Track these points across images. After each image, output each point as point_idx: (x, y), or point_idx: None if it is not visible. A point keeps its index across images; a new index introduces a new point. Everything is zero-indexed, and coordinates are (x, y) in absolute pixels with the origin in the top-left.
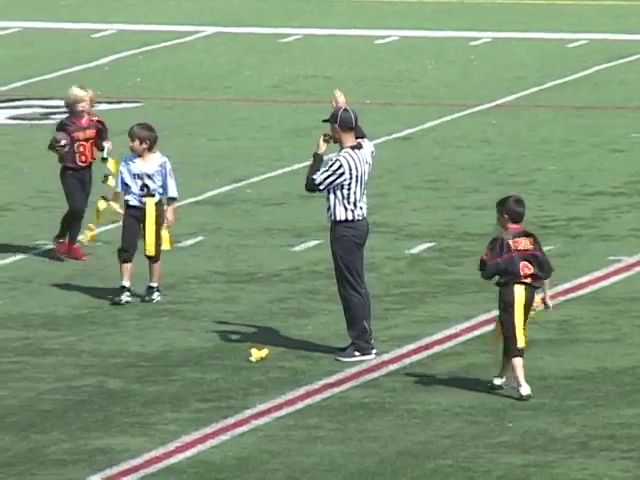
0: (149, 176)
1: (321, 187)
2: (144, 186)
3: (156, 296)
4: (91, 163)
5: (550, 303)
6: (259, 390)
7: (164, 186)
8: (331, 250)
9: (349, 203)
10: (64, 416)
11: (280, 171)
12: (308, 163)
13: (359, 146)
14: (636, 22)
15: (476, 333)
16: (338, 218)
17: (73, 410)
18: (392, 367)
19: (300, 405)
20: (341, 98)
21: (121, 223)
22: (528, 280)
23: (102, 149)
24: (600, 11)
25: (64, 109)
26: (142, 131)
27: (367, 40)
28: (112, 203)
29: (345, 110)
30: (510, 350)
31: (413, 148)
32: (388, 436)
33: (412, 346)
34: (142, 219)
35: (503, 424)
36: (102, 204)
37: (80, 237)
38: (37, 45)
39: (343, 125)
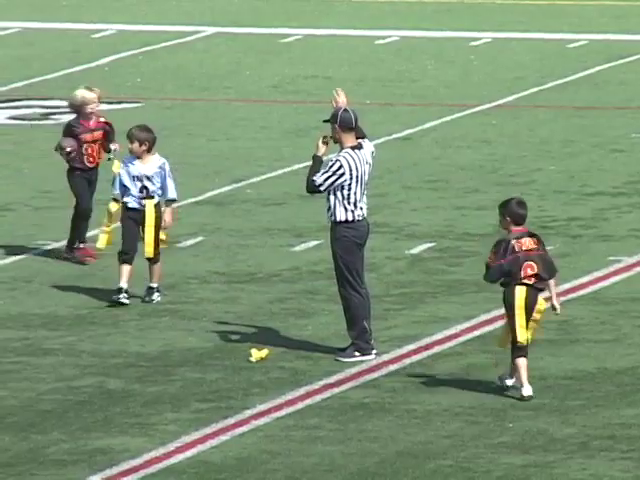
0: (148, 178)
1: (322, 188)
2: (143, 188)
3: (156, 296)
4: (98, 164)
5: (558, 306)
6: (259, 390)
7: (163, 188)
8: (331, 250)
9: (349, 204)
10: (64, 416)
11: (280, 171)
12: (308, 163)
13: (359, 146)
14: (636, 22)
15: (476, 333)
16: (338, 219)
17: (73, 410)
18: (392, 367)
19: (300, 405)
20: (341, 98)
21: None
22: (530, 281)
23: (109, 151)
24: (600, 11)
25: (64, 109)
26: (141, 133)
27: (367, 40)
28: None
29: (345, 110)
30: (513, 350)
31: (413, 148)
32: (388, 436)
33: (412, 346)
34: (141, 221)
35: (503, 424)
36: (114, 206)
37: (98, 244)
38: (37, 45)
39: (343, 125)
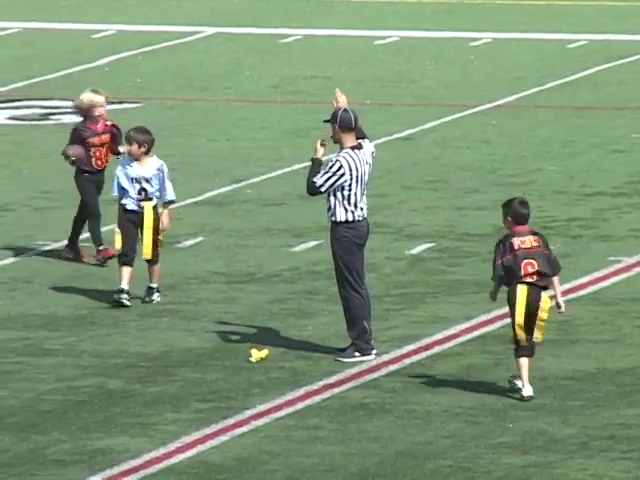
0: (147, 180)
1: (322, 189)
2: (142, 190)
3: (156, 297)
4: (106, 167)
5: (563, 304)
6: (259, 391)
7: (162, 189)
8: (331, 250)
9: (349, 204)
10: (64, 417)
11: (280, 171)
12: (308, 164)
13: (359, 147)
14: (636, 22)
15: (476, 334)
16: (339, 219)
17: (73, 411)
18: (392, 368)
19: (300, 406)
20: (342, 98)
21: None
22: (531, 279)
23: (117, 153)
24: (600, 11)
25: (64, 109)
26: (139, 135)
27: (367, 40)
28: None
29: (345, 111)
30: (515, 350)
31: (413, 148)
32: (388, 437)
33: (412, 346)
34: (140, 223)
35: (503, 424)
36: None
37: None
38: (37, 45)
39: (343, 126)
